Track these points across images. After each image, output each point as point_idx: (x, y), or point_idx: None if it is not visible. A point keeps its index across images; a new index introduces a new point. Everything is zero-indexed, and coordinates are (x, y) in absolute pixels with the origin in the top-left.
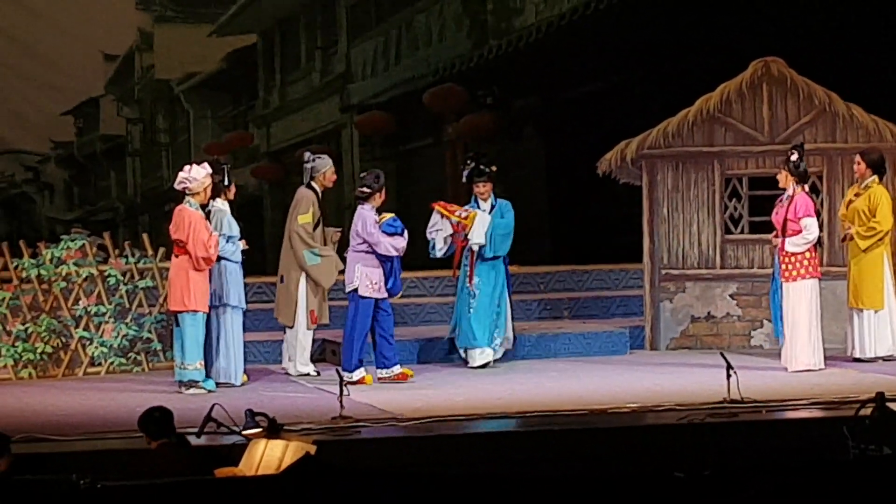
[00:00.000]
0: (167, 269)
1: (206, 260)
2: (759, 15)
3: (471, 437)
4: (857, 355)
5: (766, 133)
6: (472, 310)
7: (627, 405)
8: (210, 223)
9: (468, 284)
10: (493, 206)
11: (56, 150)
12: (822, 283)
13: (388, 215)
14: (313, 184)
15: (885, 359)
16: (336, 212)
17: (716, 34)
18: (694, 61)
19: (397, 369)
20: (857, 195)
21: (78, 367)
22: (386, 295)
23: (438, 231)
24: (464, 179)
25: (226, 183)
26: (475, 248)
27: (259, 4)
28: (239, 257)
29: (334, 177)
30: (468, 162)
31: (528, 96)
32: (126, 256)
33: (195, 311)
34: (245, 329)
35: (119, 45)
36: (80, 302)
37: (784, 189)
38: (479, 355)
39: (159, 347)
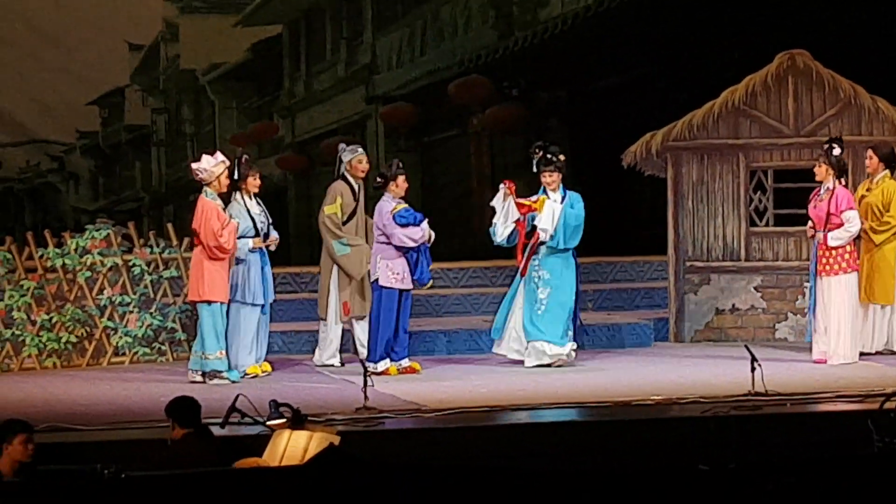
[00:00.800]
0: (192, 258)
1: (218, 248)
2: (785, 7)
3: (494, 428)
4: (865, 350)
5: (792, 126)
6: (542, 305)
7: (652, 397)
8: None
9: (527, 276)
10: (562, 198)
11: (81, 139)
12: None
13: (401, 206)
14: (347, 175)
15: (881, 352)
16: (368, 203)
17: (741, 26)
18: (719, 53)
19: (405, 363)
20: (868, 190)
21: (102, 356)
22: (411, 286)
23: (501, 212)
24: (534, 169)
25: (235, 176)
26: (542, 235)
27: None
28: (244, 254)
29: (361, 166)
30: (536, 150)
31: (554, 88)
32: (151, 246)
33: (210, 302)
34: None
35: (145, 35)
36: (105, 292)
37: (819, 182)
38: (549, 350)
39: (184, 337)
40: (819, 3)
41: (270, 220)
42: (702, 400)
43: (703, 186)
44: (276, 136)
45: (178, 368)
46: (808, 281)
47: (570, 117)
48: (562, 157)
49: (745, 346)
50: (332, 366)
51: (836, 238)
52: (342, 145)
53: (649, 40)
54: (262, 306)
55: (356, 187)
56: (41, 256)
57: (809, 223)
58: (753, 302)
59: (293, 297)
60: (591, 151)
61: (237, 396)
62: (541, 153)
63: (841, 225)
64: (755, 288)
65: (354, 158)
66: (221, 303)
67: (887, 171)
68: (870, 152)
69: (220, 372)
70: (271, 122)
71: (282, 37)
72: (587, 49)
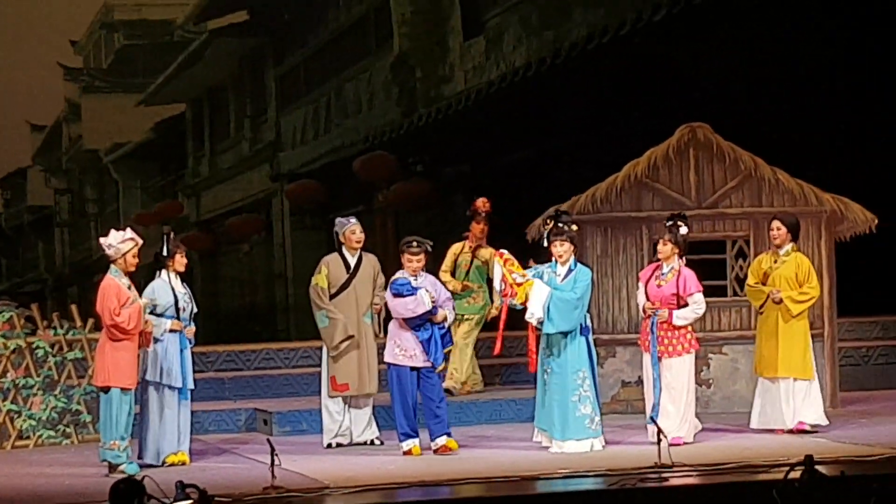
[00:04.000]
0: (96, 341)
1: (116, 328)
2: (686, 81)
3: None
4: (785, 426)
5: (694, 198)
6: (546, 390)
7: (559, 471)
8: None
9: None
10: (569, 272)
11: None
12: (751, 346)
13: (401, 276)
14: (343, 248)
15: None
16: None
17: (643, 100)
18: (622, 127)
19: (441, 441)
20: (776, 262)
21: (6, 440)
22: (424, 364)
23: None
24: (544, 242)
25: (164, 253)
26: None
27: (187, 73)
28: (160, 334)
29: (354, 236)
30: (547, 221)
31: (459, 163)
32: (54, 328)
33: (109, 388)
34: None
35: (46, 115)
36: (8, 374)
37: (661, 260)
38: (561, 445)
39: (88, 419)
40: (718, 76)
41: (195, 309)
42: (609, 473)
43: (608, 259)
44: (181, 216)
45: (83, 451)
46: (712, 352)
47: (475, 192)
48: (574, 228)
49: (651, 419)
50: (339, 445)
51: (681, 318)
52: (337, 219)
53: (553, 114)
54: (181, 390)
55: (352, 259)
56: None
57: (647, 301)
58: None
59: (199, 377)
60: (496, 226)
61: (143, 478)
62: (552, 223)
63: (685, 305)
64: None
65: (347, 229)
66: (123, 389)
67: (792, 243)
68: (777, 223)
69: (116, 465)
70: (176, 201)
71: (185, 115)
72: (491, 124)
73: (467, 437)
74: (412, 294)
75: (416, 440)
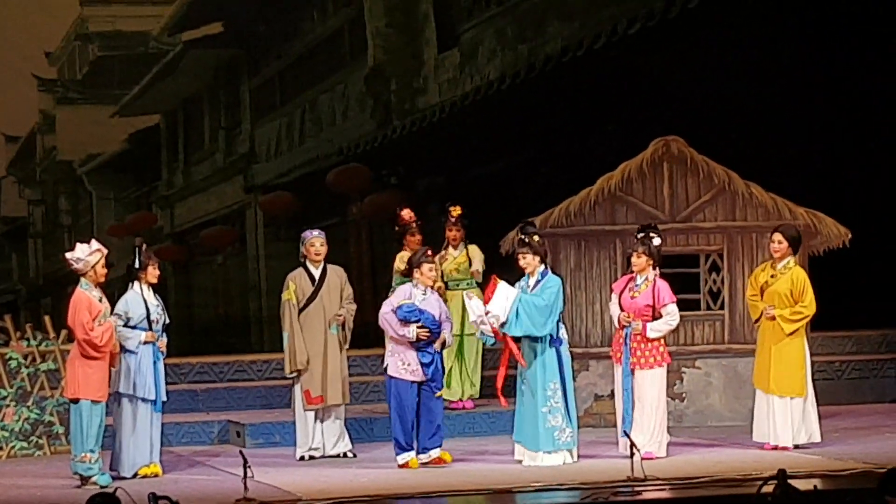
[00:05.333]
0: (69, 352)
1: (88, 344)
2: (661, 95)
3: None
4: (776, 443)
5: (667, 211)
6: (522, 402)
7: (532, 484)
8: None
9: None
10: (538, 282)
11: None
12: (724, 360)
13: (407, 301)
14: (306, 261)
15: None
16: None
17: (618, 113)
18: (596, 140)
19: (435, 453)
20: (773, 276)
21: None
22: (426, 379)
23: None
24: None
25: (136, 265)
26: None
27: (162, 85)
28: (132, 346)
29: (314, 249)
30: (517, 233)
31: (433, 175)
32: (28, 339)
33: (79, 400)
34: None
35: (21, 126)
36: None
37: (635, 272)
38: (534, 456)
39: (61, 431)
40: (693, 89)
41: (167, 320)
42: (581, 486)
43: (581, 272)
44: (155, 227)
45: (55, 462)
46: (686, 366)
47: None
48: (537, 238)
49: (624, 432)
50: (311, 457)
51: (655, 330)
52: (304, 232)
53: (527, 127)
54: (154, 402)
55: (316, 272)
56: None
57: (622, 313)
58: None
59: (172, 389)
60: (470, 239)
61: (115, 490)
62: (518, 235)
63: (659, 317)
64: None
65: (307, 242)
66: (93, 401)
67: (792, 257)
68: (779, 236)
69: (88, 477)
70: (149, 213)
71: (159, 127)
72: (465, 136)
73: None
74: (410, 322)
75: (412, 453)
